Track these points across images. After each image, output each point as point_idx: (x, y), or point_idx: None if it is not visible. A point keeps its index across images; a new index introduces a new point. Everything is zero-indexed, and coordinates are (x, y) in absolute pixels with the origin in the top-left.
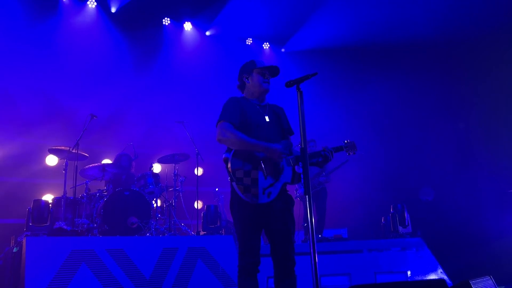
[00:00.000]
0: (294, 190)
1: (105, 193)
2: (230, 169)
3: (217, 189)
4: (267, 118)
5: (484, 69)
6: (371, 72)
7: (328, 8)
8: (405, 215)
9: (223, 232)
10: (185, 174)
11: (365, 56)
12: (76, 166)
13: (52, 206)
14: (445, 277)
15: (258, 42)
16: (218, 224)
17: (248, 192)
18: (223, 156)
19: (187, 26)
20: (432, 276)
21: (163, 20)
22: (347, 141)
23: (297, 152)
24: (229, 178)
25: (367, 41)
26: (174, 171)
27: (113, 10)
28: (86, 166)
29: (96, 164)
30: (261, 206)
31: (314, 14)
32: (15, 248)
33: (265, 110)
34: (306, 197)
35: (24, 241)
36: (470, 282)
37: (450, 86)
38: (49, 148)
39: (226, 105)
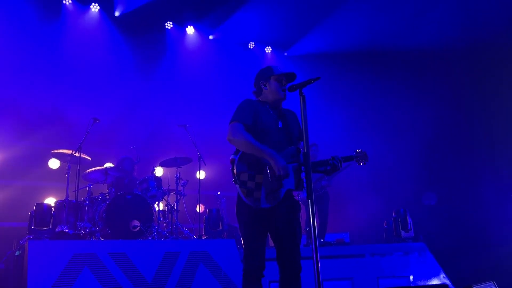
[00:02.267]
0: (296, 194)
1: (108, 197)
2: (235, 172)
3: (219, 193)
4: (279, 124)
5: (486, 73)
6: (373, 76)
7: (330, 14)
8: (408, 219)
9: (225, 236)
10: (187, 177)
11: (366, 61)
12: (79, 169)
13: (54, 209)
14: (448, 282)
15: (261, 46)
16: (220, 228)
17: (251, 196)
18: (230, 157)
19: (190, 30)
20: (435, 281)
21: (166, 24)
22: (358, 150)
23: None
24: (233, 180)
25: (369, 47)
26: (176, 175)
27: (116, 14)
28: (89, 170)
29: (99, 168)
30: (265, 211)
31: (316, 20)
32: (17, 252)
33: (279, 116)
34: (308, 201)
35: (26, 244)
36: (473, 287)
37: (452, 90)
38: (52, 151)
39: (240, 106)
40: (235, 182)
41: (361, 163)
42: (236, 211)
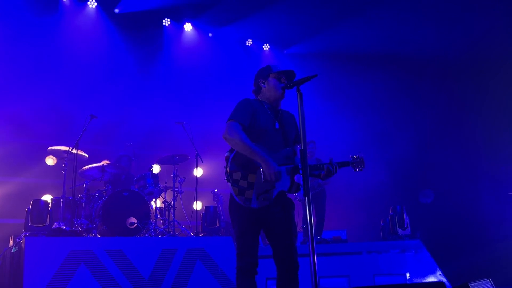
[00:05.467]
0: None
1: (104, 194)
2: (228, 170)
3: (216, 190)
4: (277, 125)
5: (484, 73)
6: (372, 77)
7: (331, 15)
8: (404, 217)
9: (222, 233)
10: (184, 175)
11: (366, 62)
12: (76, 166)
13: (51, 206)
14: (444, 280)
15: (259, 43)
16: (217, 225)
17: (242, 195)
18: (226, 154)
19: (187, 27)
20: (431, 279)
21: (163, 21)
22: (355, 156)
23: (299, 161)
24: (225, 178)
25: (369, 49)
26: (174, 172)
27: (116, 10)
28: (86, 167)
29: (96, 165)
30: (257, 209)
31: (316, 20)
32: (14, 248)
33: (277, 116)
34: (305, 199)
35: (23, 241)
36: (469, 284)
37: (450, 89)
38: (49, 148)
39: (238, 105)
40: (228, 180)
41: (357, 169)
42: (229, 208)
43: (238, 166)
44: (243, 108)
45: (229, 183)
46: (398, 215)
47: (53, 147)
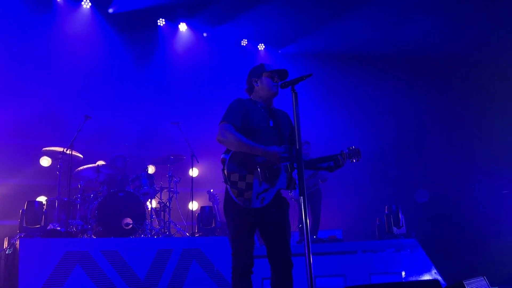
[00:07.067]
0: (289, 191)
1: (100, 194)
2: (225, 172)
3: (212, 190)
4: (271, 123)
5: (479, 71)
6: (367, 76)
7: (326, 15)
8: (400, 216)
9: (218, 233)
10: (180, 175)
11: (360, 61)
12: (71, 167)
13: (46, 207)
14: (439, 278)
15: (254, 43)
16: (213, 225)
17: (241, 196)
18: (221, 156)
19: (182, 27)
20: (426, 277)
21: (158, 21)
22: (351, 147)
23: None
24: (223, 180)
25: (363, 49)
26: (169, 172)
27: (110, 10)
28: (81, 167)
29: (91, 165)
30: (254, 210)
31: (312, 20)
32: (8, 250)
33: (270, 115)
34: (301, 198)
35: (17, 242)
36: (464, 282)
37: (447, 91)
38: (43, 149)
39: (230, 106)
40: (226, 182)
41: (354, 160)
42: (224, 208)
43: (235, 168)
44: (235, 109)
45: (227, 185)
46: (394, 214)
47: (47, 148)
